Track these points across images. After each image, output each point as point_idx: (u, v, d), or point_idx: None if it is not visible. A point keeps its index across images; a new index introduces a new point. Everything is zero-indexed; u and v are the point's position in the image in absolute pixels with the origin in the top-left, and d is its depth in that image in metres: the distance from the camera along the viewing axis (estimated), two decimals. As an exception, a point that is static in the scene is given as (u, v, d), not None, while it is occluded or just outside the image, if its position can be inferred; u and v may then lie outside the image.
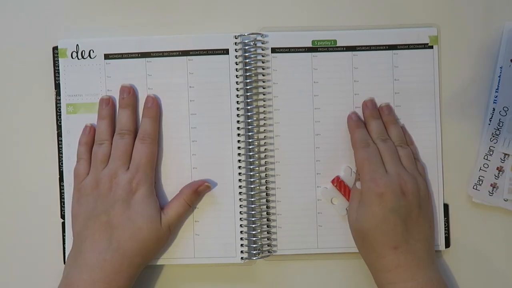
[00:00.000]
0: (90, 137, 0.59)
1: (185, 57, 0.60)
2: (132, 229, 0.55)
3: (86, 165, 0.58)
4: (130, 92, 0.59)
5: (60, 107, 0.61)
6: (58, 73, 0.61)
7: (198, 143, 0.60)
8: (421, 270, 0.54)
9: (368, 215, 0.55)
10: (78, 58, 0.60)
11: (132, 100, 0.59)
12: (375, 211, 0.54)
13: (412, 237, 0.55)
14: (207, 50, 0.60)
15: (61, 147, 0.61)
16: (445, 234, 0.60)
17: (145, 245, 0.55)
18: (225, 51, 0.60)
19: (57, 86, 0.61)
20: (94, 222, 0.55)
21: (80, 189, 0.57)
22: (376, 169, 0.56)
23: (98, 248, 0.54)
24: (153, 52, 0.60)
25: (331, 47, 0.60)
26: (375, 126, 0.59)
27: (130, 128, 0.58)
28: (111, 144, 0.58)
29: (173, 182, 0.60)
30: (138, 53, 0.60)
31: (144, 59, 0.60)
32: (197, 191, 0.58)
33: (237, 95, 0.60)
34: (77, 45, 0.60)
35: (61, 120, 0.61)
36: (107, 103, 0.59)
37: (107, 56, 0.60)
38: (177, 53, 0.60)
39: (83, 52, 0.60)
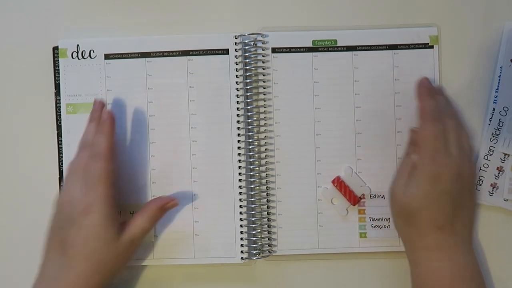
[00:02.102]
0: None
1: (185, 57, 0.60)
2: (88, 250, 0.52)
3: None
4: (101, 107, 0.58)
5: (60, 107, 0.61)
6: (58, 73, 0.61)
7: (198, 143, 0.60)
8: (460, 251, 0.53)
9: (419, 193, 0.53)
10: (78, 58, 0.60)
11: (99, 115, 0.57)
12: (428, 191, 0.52)
13: (457, 219, 0.53)
14: (207, 50, 0.60)
15: (61, 147, 0.61)
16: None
17: (101, 265, 0.53)
18: (225, 51, 0.60)
19: (57, 86, 0.61)
20: (52, 236, 0.54)
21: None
22: (440, 148, 0.53)
23: (54, 265, 0.53)
24: (153, 52, 0.60)
25: (331, 47, 0.60)
26: (440, 101, 0.57)
27: (92, 142, 0.56)
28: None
29: (173, 182, 0.60)
30: (138, 53, 0.60)
31: (144, 59, 0.60)
32: (164, 208, 0.56)
33: (237, 95, 0.60)
34: (78, 45, 0.60)
35: (61, 120, 0.61)
36: (100, 106, 0.58)
37: (107, 56, 0.60)
38: (177, 53, 0.60)
39: (83, 52, 0.60)
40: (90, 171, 0.54)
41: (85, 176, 0.54)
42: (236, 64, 0.60)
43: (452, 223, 0.53)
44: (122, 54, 0.60)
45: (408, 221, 0.54)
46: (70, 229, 0.52)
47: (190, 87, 0.60)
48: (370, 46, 0.60)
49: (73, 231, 0.52)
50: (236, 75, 0.60)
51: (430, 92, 0.56)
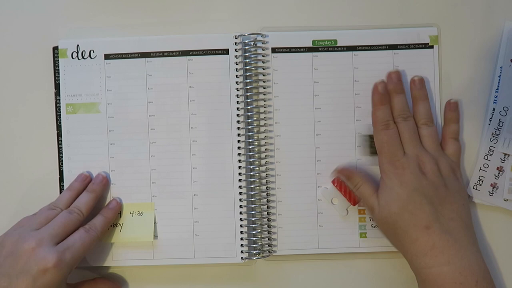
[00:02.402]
0: (83, 184, 0.59)
1: (185, 57, 0.60)
2: None
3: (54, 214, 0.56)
4: (102, 181, 0.59)
5: (60, 107, 0.61)
6: (58, 73, 0.61)
7: (198, 143, 0.60)
8: (459, 252, 0.52)
9: (392, 198, 0.54)
10: (78, 58, 0.60)
11: (100, 190, 0.59)
12: (398, 192, 0.54)
13: (443, 215, 0.53)
14: (207, 50, 0.60)
15: (61, 147, 0.61)
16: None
17: None
18: (225, 51, 0.60)
19: (57, 86, 0.61)
20: None
21: (6, 235, 0.54)
22: (394, 151, 0.56)
23: None
24: (153, 52, 0.60)
25: (331, 47, 0.60)
26: (397, 103, 0.58)
27: (82, 210, 0.57)
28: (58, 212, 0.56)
29: (173, 183, 0.60)
30: (138, 53, 0.60)
31: (144, 59, 0.60)
32: None
33: (237, 95, 0.60)
34: (78, 45, 0.60)
35: (61, 120, 0.61)
36: (84, 179, 0.59)
37: (107, 56, 0.60)
38: (177, 53, 0.60)
39: (84, 52, 0.60)
40: (72, 237, 0.54)
41: (67, 239, 0.54)
42: (236, 64, 0.60)
43: (438, 220, 0.53)
44: (122, 54, 0.60)
45: (396, 232, 0.54)
46: (19, 282, 0.50)
47: (190, 87, 0.60)
48: (370, 46, 0.60)
49: (22, 285, 0.50)
50: (236, 75, 0.60)
51: (381, 100, 0.58)
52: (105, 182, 0.59)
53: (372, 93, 0.58)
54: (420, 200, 0.53)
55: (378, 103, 0.58)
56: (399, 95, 0.58)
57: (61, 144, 0.61)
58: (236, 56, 0.60)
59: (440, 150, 0.57)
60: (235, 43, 0.60)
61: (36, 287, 0.50)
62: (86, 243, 0.54)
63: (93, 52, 0.60)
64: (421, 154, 0.56)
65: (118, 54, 0.60)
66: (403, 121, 0.57)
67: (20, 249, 0.51)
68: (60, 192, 0.60)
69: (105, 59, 0.60)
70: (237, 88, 0.60)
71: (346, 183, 0.59)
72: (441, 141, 0.59)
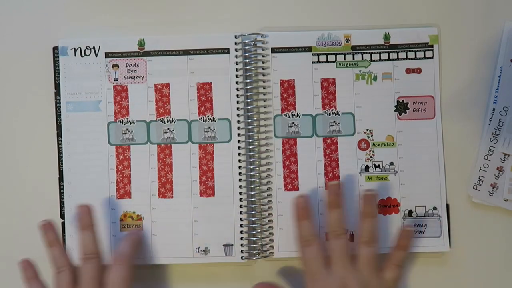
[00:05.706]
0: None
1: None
2: None
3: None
4: (89, 212, 0.56)
5: (60, 107, 0.61)
6: (58, 73, 0.61)
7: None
8: None
9: None
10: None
11: (92, 221, 0.56)
12: None
13: None
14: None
15: (61, 147, 0.60)
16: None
17: None
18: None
19: (57, 86, 0.61)
20: None
21: None
22: (315, 270, 0.54)
23: None
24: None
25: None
26: (331, 218, 0.55)
27: (94, 251, 0.55)
28: (71, 269, 0.55)
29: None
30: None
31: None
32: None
33: (237, 95, 0.60)
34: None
35: (60, 120, 0.60)
36: (48, 227, 0.57)
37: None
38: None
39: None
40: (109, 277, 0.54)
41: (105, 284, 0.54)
42: (236, 64, 0.60)
43: None
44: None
45: None
46: None
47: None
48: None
49: None
50: (236, 75, 0.60)
51: (301, 215, 0.56)
52: (91, 210, 0.56)
53: (293, 209, 0.57)
54: None
55: (298, 218, 0.56)
56: (336, 210, 0.55)
57: (61, 144, 0.61)
58: (236, 56, 0.60)
59: (374, 273, 0.54)
60: (236, 42, 0.60)
61: None
62: (123, 277, 0.54)
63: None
64: (348, 276, 0.53)
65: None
66: (334, 239, 0.54)
67: None
68: (60, 192, 0.60)
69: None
70: (237, 88, 0.60)
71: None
72: (385, 263, 0.56)
